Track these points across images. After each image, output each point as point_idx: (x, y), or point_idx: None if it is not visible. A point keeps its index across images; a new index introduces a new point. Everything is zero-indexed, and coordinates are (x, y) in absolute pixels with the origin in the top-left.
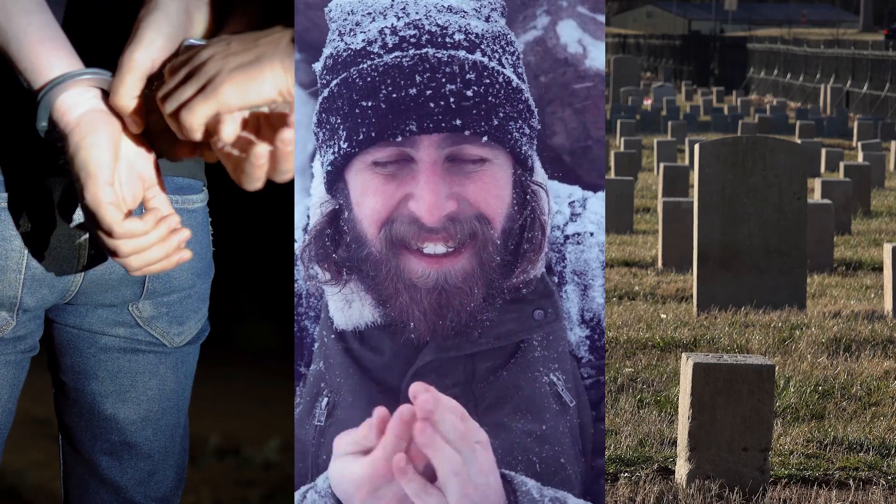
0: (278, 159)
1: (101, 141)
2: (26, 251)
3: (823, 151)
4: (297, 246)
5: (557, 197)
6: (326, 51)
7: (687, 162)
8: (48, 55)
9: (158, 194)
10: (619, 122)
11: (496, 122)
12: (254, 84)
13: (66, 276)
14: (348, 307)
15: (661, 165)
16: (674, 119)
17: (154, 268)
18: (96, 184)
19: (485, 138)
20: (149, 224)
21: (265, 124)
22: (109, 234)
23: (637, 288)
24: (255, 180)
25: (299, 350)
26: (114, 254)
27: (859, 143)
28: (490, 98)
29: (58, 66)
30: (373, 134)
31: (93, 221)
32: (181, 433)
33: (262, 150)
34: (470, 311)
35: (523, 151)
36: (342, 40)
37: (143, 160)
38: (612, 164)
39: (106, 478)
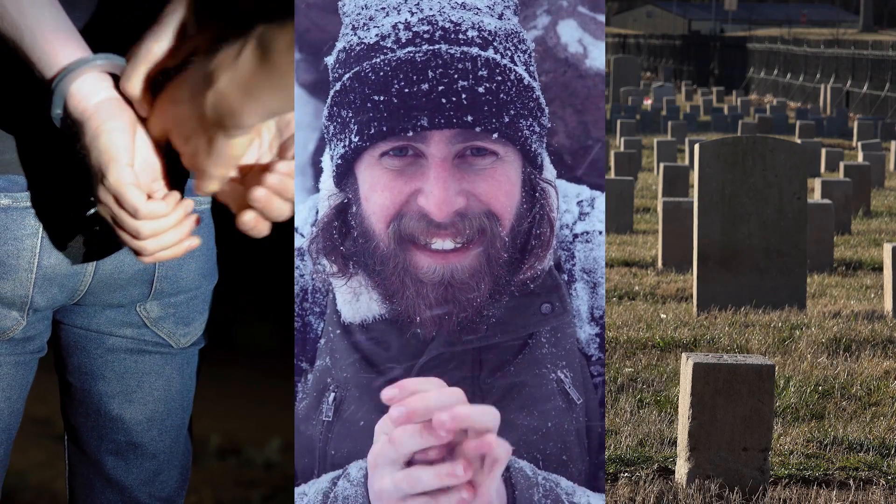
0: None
1: (121, 126)
2: (38, 250)
3: (823, 151)
4: (303, 241)
5: (566, 196)
6: (339, 45)
7: (687, 162)
8: (61, 45)
9: (163, 187)
10: (619, 122)
11: (507, 120)
12: (240, 132)
13: (77, 276)
14: (356, 300)
15: (661, 165)
16: (674, 119)
17: (166, 254)
18: (118, 166)
19: (495, 135)
20: (170, 205)
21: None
22: (134, 214)
23: (637, 288)
24: (280, 215)
25: (301, 345)
26: (134, 236)
27: (859, 143)
28: (501, 95)
29: (70, 55)
30: (384, 128)
31: (116, 204)
32: (185, 434)
33: (259, 192)
34: (476, 307)
35: (533, 149)
36: (355, 34)
37: (152, 152)
38: (612, 164)
39: (111, 478)
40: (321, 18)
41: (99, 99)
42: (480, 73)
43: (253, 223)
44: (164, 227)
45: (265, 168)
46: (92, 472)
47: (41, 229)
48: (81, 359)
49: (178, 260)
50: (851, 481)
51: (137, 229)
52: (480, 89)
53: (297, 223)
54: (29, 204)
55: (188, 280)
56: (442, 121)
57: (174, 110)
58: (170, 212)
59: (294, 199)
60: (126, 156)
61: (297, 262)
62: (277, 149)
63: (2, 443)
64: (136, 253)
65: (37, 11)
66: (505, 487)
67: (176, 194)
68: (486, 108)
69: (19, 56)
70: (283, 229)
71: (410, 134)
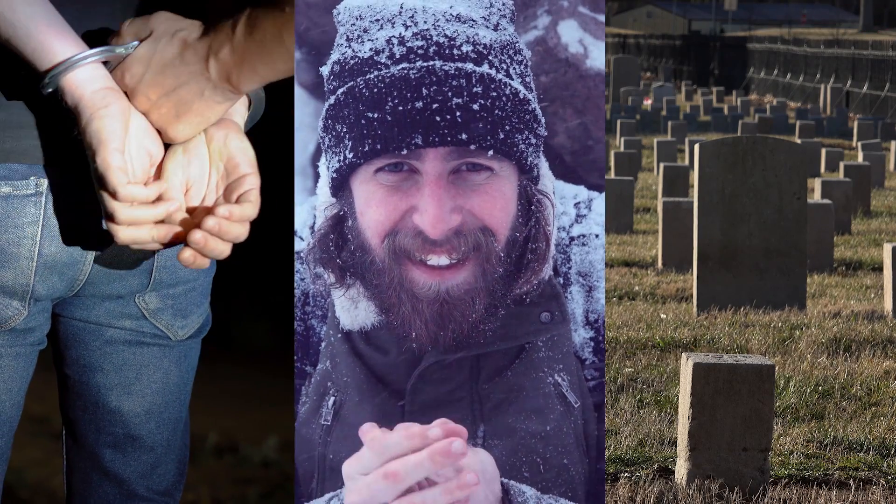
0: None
1: (114, 112)
2: (38, 238)
3: (823, 151)
4: (301, 245)
5: (563, 198)
6: (334, 56)
7: (687, 162)
8: (55, 39)
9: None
10: (619, 122)
11: (502, 136)
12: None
13: (77, 264)
14: (354, 307)
15: (661, 165)
16: (674, 119)
17: (145, 246)
18: (107, 149)
19: (491, 152)
20: (151, 192)
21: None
22: (114, 195)
23: (637, 288)
24: (220, 254)
25: (305, 349)
26: (111, 217)
27: (859, 143)
28: (497, 111)
29: (65, 48)
30: (378, 146)
31: (100, 185)
32: (182, 428)
33: (197, 235)
34: (472, 322)
35: (529, 161)
36: (349, 46)
37: (150, 137)
38: (612, 164)
39: (109, 471)
40: (321, 18)
41: (96, 87)
42: (475, 89)
43: (192, 259)
44: (141, 217)
45: (208, 210)
46: (89, 466)
47: (42, 217)
48: (80, 351)
49: (177, 250)
50: (851, 481)
51: (115, 210)
52: (475, 106)
53: (296, 226)
54: (30, 192)
55: (186, 271)
56: (436, 139)
57: (176, 70)
58: (151, 197)
59: (237, 239)
60: (116, 141)
61: (297, 265)
62: (223, 189)
63: (3, 435)
64: (114, 235)
65: (28, 7)
66: None
67: (161, 183)
68: (480, 126)
69: (12, 51)
70: (282, 229)
71: (405, 152)
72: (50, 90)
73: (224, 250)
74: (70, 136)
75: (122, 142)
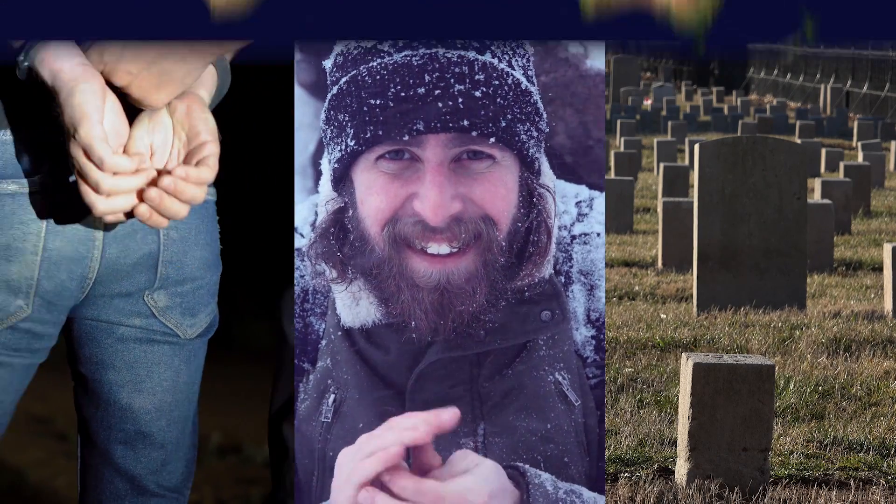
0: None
1: (94, 87)
2: (43, 234)
3: (823, 151)
4: (303, 243)
5: (564, 196)
6: (337, 48)
7: (687, 162)
8: None
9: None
10: (619, 122)
11: (504, 124)
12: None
13: (83, 260)
14: (355, 304)
15: (661, 165)
16: (674, 119)
17: (118, 216)
18: (90, 122)
19: (492, 139)
20: (134, 163)
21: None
22: (100, 165)
23: (637, 288)
24: (175, 214)
25: (303, 346)
26: (95, 188)
27: (859, 143)
28: (499, 100)
29: None
30: (380, 132)
31: (85, 157)
32: (191, 426)
33: (143, 206)
34: (472, 311)
35: (530, 154)
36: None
37: (119, 118)
38: (612, 164)
39: (120, 467)
40: None
41: (73, 62)
42: (477, 77)
43: (147, 215)
44: (123, 187)
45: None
46: (101, 462)
47: (47, 214)
48: (93, 349)
49: (182, 246)
50: (851, 481)
51: (98, 182)
52: (477, 93)
53: (296, 223)
54: (36, 189)
55: (193, 268)
56: (438, 125)
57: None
58: (133, 168)
59: (192, 200)
60: (97, 114)
61: (297, 262)
62: (184, 157)
63: None
64: (91, 208)
65: None
66: None
67: (143, 156)
68: (482, 113)
69: None
70: (283, 227)
71: (406, 138)
72: (27, 65)
73: (179, 211)
74: (51, 113)
75: (102, 115)
